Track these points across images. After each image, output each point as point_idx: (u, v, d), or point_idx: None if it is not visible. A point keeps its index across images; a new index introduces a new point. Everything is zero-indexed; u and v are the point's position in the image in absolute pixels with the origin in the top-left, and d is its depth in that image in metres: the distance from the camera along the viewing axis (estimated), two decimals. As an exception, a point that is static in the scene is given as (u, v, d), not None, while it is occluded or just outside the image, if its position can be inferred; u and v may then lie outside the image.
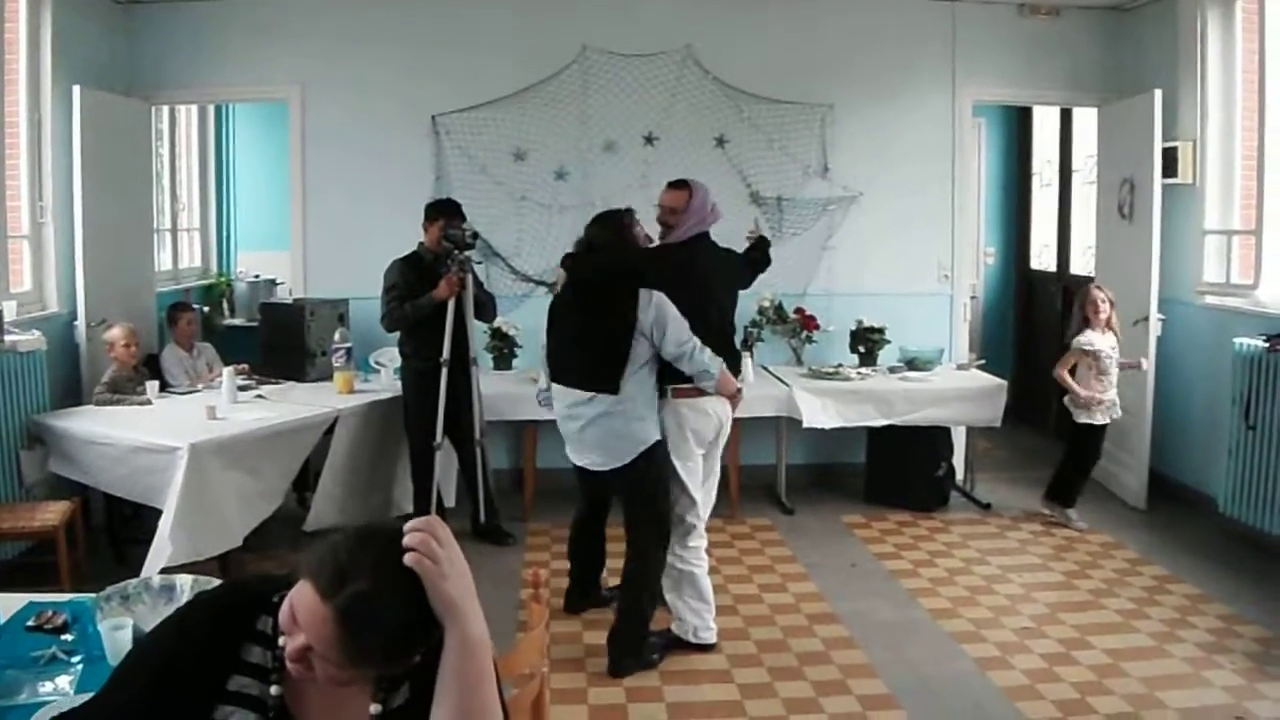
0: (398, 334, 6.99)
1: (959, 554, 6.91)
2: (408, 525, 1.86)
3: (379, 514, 7.01)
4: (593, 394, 5.14)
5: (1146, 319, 7.65)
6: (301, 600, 1.84)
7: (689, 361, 5.07)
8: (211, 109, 10.25)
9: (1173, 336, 7.71)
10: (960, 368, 8.26)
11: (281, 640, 1.90)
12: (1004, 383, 7.90)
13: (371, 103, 8.15)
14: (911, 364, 7.99)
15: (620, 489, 5.36)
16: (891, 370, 7.97)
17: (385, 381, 7.29)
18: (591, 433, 5.21)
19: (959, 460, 8.20)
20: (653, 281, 5.11)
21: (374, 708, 1.96)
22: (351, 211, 8.15)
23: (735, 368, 5.41)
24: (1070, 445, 7.55)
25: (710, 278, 5.39)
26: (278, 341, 7.59)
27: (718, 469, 5.57)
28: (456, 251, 6.61)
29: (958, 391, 7.68)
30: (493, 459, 7.15)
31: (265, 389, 7.10)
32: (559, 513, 7.50)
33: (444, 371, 6.66)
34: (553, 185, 8.24)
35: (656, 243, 5.54)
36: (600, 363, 5.12)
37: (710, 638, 5.41)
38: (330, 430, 6.55)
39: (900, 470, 7.85)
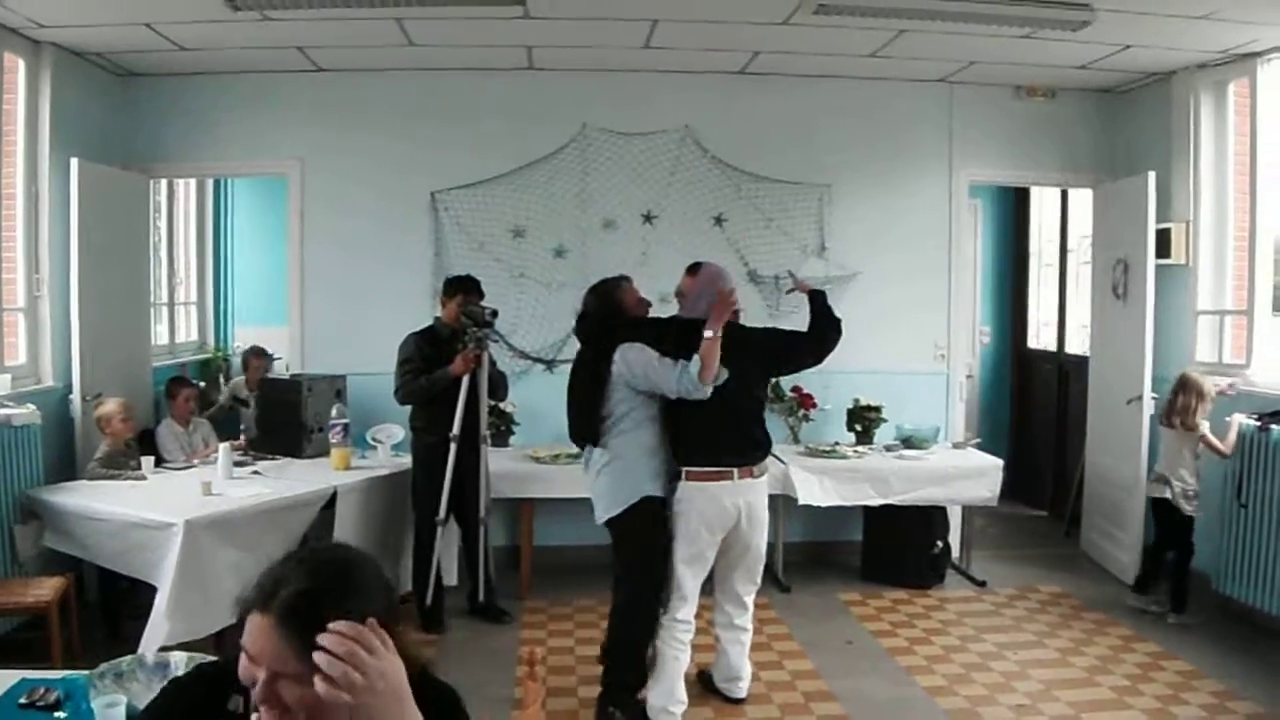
0: (406, 409, 7.04)
1: (955, 631, 6.95)
2: (333, 626, 1.79)
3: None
4: (584, 447, 5.54)
5: (1140, 398, 7.74)
6: (249, 634, 1.89)
7: (677, 386, 5.15)
8: (210, 182, 10.36)
9: (1167, 416, 7.76)
10: (956, 446, 8.32)
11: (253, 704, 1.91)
12: (1000, 461, 7.96)
13: (371, 178, 8.27)
14: (908, 442, 8.06)
15: (612, 539, 5.53)
16: (888, 449, 8.05)
17: (383, 458, 7.33)
18: (594, 485, 5.53)
19: (955, 538, 8.24)
20: (637, 334, 5.38)
21: None
22: (350, 287, 8.25)
23: (748, 452, 5.41)
24: (1182, 542, 7.10)
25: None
26: (275, 417, 7.60)
27: (754, 550, 5.51)
28: (475, 328, 6.69)
29: (954, 470, 7.73)
30: (491, 536, 7.18)
31: (262, 465, 7.12)
32: (556, 590, 7.61)
33: (453, 447, 6.72)
34: (551, 263, 8.33)
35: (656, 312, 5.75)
36: (579, 416, 5.51)
37: None
38: (328, 505, 6.55)
39: (896, 548, 7.90)
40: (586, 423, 5.45)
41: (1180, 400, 7.03)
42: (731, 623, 5.66)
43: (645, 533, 5.36)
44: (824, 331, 5.60)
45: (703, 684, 5.87)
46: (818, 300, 5.70)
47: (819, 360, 5.70)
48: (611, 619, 5.55)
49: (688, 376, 5.08)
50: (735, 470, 5.31)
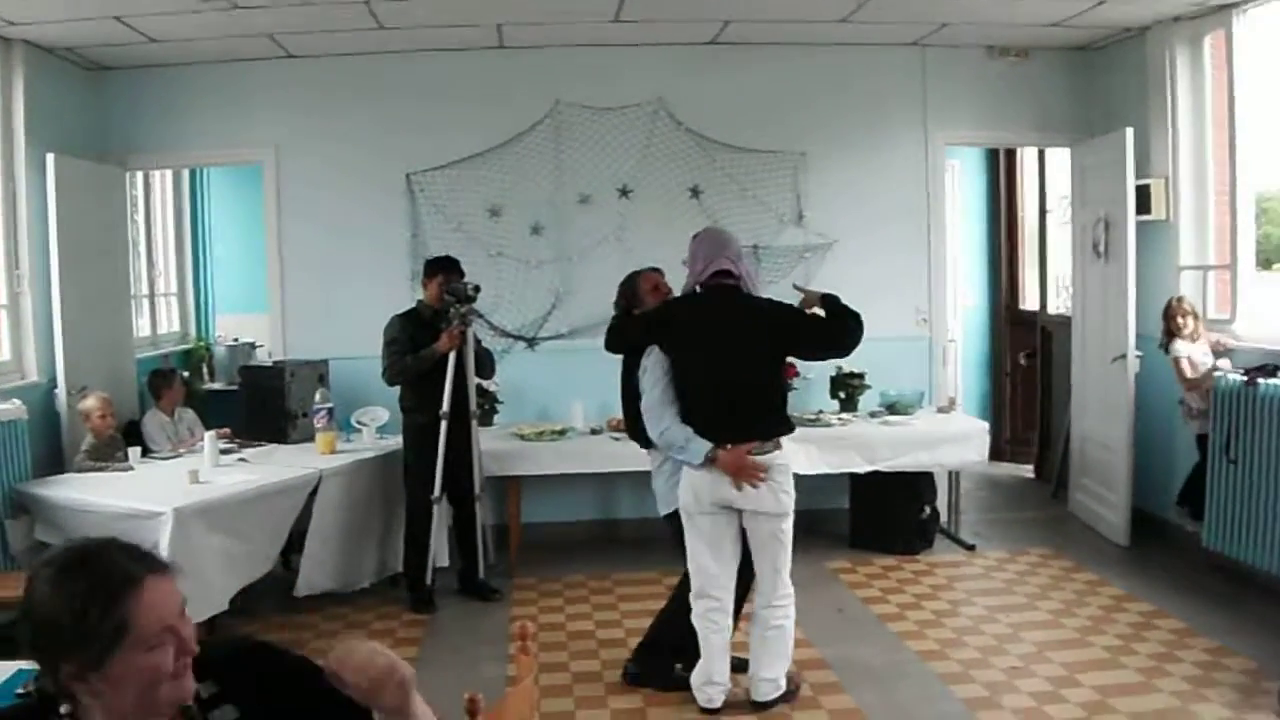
0: (391, 391, 7.08)
1: (945, 596, 7.00)
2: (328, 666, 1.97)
3: (373, 577, 7.12)
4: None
5: (1124, 356, 7.78)
6: (162, 599, 1.92)
7: (655, 429, 5.23)
8: (186, 173, 10.32)
9: (1151, 373, 7.78)
10: (941, 411, 8.35)
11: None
12: (985, 424, 8.02)
13: (346, 163, 8.28)
14: (892, 408, 8.08)
15: (670, 535, 5.57)
16: (872, 415, 8.08)
17: (368, 441, 7.37)
18: (653, 479, 5.66)
19: (942, 502, 8.24)
20: (644, 335, 5.38)
21: None
22: (329, 271, 8.27)
23: (762, 431, 5.19)
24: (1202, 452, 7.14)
25: (703, 328, 5.20)
26: (259, 404, 7.64)
27: (767, 532, 5.22)
28: (458, 305, 6.74)
29: (940, 435, 7.77)
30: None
31: (247, 452, 7.16)
32: (545, 567, 7.65)
33: (444, 425, 6.76)
34: (528, 240, 8.34)
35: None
36: (627, 420, 5.67)
37: (705, 701, 5.29)
38: (315, 492, 6.62)
39: (884, 514, 7.93)
40: (633, 426, 5.58)
41: (1165, 324, 7.19)
42: (757, 614, 5.37)
43: None
44: (848, 323, 5.29)
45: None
46: (832, 304, 5.40)
47: (844, 350, 5.40)
48: (674, 597, 5.66)
49: (684, 443, 5.13)
50: (744, 444, 5.11)
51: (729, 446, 5.09)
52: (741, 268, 5.29)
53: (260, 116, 8.29)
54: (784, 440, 5.25)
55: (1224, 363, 7.00)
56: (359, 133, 8.28)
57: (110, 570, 1.89)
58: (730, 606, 5.34)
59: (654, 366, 5.25)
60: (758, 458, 5.11)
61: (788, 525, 5.24)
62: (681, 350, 5.22)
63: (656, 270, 5.87)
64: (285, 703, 2.11)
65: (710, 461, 5.07)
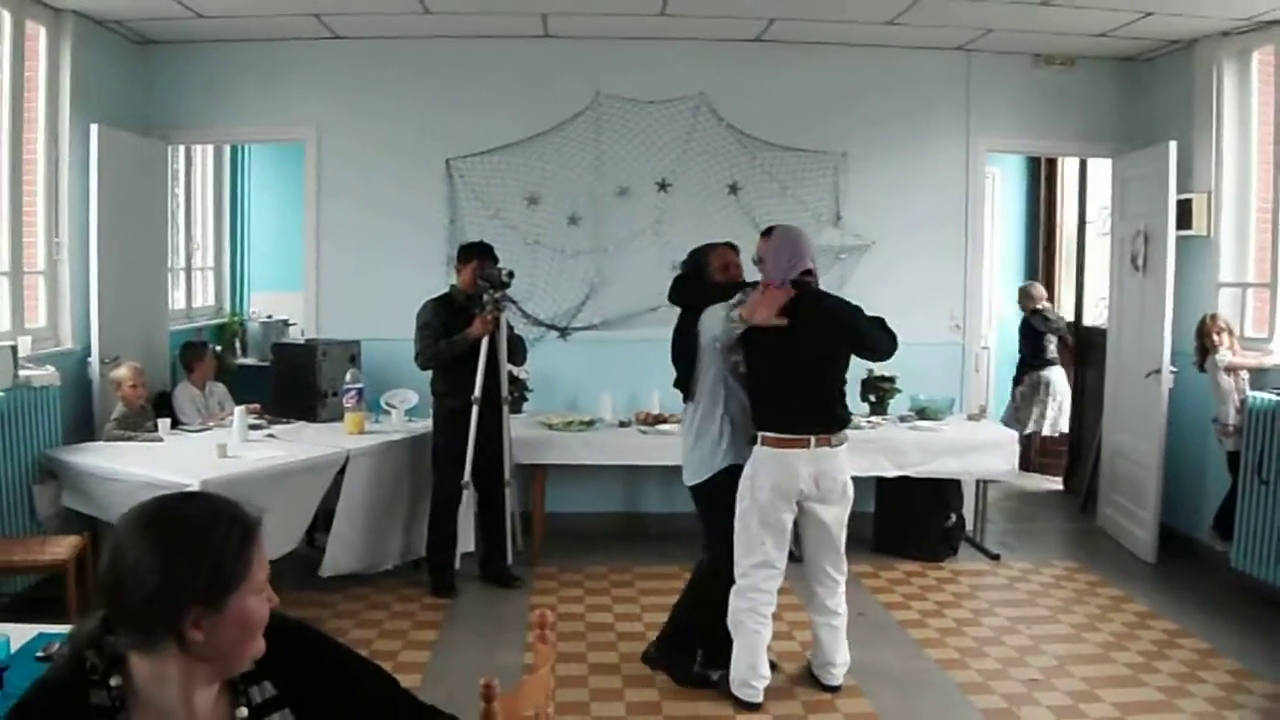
0: (423, 375, 7.08)
1: (968, 605, 6.96)
2: None
3: (398, 559, 7.14)
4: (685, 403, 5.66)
5: (1159, 371, 7.72)
6: (266, 558, 2.04)
7: (723, 328, 5.27)
8: (227, 149, 10.38)
9: (1185, 390, 7.74)
10: (971, 418, 8.32)
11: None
12: (1015, 434, 7.96)
13: (386, 145, 8.29)
14: (922, 414, 8.05)
15: (696, 506, 5.62)
16: (902, 420, 8.04)
17: (396, 423, 7.38)
18: (684, 447, 5.66)
19: (968, 510, 8.22)
20: (709, 297, 5.45)
21: (241, 711, 2.05)
22: (365, 253, 8.29)
23: (838, 424, 5.33)
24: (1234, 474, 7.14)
25: (783, 328, 5.19)
26: (289, 382, 7.67)
27: (834, 522, 5.37)
28: (492, 291, 6.75)
29: (970, 442, 7.72)
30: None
31: (276, 429, 7.19)
32: (567, 557, 7.66)
33: (475, 410, 6.77)
34: (565, 230, 8.34)
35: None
36: (677, 371, 5.61)
37: (750, 696, 5.31)
38: (343, 472, 6.63)
39: (909, 520, 7.88)
40: (682, 378, 5.59)
41: (1198, 342, 7.18)
42: (823, 604, 5.49)
43: (727, 501, 5.35)
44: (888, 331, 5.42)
45: (804, 674, 5.70)
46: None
47: (885, 355, 5.51)
48: (692, 582, 5.69)
49: (730, 319, 5.18)
50: (812, 438, 5.22)
51: (808, 437, 5.23)
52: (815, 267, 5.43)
53: (303, 96, 8.31)
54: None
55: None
56: (401, 116, 8.29)
57: (241, 513, 2.01)
58: (775, 601, 5.41)
59: (716, 315, 5.34)
60: (835, 448, 5.30)
61: (847, 513, 5.45)
62: (760, 346, 5.24)
63: (732, 246, 5.82)
64: (320, 684, 2.16)
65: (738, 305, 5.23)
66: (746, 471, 5.29)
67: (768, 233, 5.50)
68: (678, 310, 5.71)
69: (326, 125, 8.31)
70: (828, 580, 5.47)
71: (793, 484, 5.23)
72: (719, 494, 5.41)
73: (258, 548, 2.01)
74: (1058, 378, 10.08)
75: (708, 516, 5.54)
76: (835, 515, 5.38)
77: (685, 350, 5.54)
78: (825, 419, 5.30)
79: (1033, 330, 9.91)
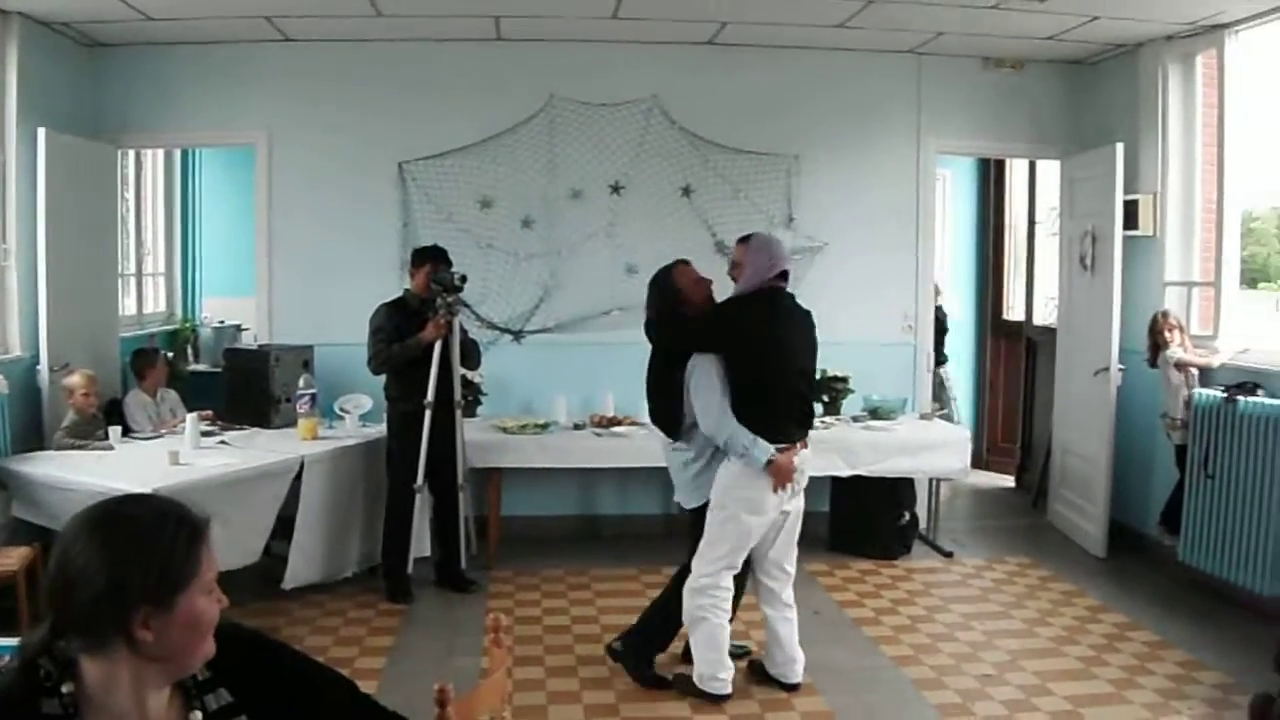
0: (376, 380, 7.07)
1: (921, 601, 7.00)
2: None
3: (357, 566, 7.13)
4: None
5: (1107, 369, 7.81)
6: (214, 558, 2.03)
7: (717, 432, 5.21)
8: (178, 153, 10.28)
9: (1133, 387, 7.83)
10: (923, 417, 8.39)
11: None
12: (968, 433, 8.05)
13: (339, 149, 8.24)
14: (875, 413, 8.09)
15: (691, 520, 5.59)
16: (855, 420, 8.08)
17: (350, 428, 7.35)
18: (675, 473, 5.64)
19: (922, 508, 8.27)
20: (703, 336, 5.35)
21: (195, 716, 2.04)
22: (317, 257, 8.24)
23: (806, 423, 5.45)
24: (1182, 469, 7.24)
25: (780, 329, 5.30)
26: (242, 388, 7.61)
27: (794, 514, 5.47)
28: (445, 295, 6.73)
29: (923, 441, 7.78)
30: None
31: (229, 435, 7.13)
32: (523, 561, 7.65)
33: (428, 414, 6.76)
34: (518, 233, 8.32)
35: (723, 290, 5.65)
36: (657, 414, 5.62)
37: (719, 689, 5.37)
38: (301, 479, 6.59)
39: (863, 519, 7.92)
40: (665, 420, 5.55)
41: (1150, 339, 7.28)
42: (778, 598, 5.52)
43: None
44: None
45: (756, 674, 5.68)
46: None
47: None
48: (672, 586, 5.65)
49: (747, 444, 5.14)
50: (797, 443, 5.32)
51: (787, 449, 5.25)
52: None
53: (254, 99, 8.24)
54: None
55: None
56: (353, 119, 8.25)
57: (188, 514, 2.01)
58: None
59: (708, 365, 5.24)
60: (803, 453, 5.37)
61: None
62: (758, 352, 5.23)
63: (685, 262, 5.73)
64: (277, 691, 2.15)
65: (769, 464, 5.16)
66: (728, 482, 5.27)
67: (745, 240, 5.49)
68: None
69: (278, 129, 8.24)
70: (781, 575, 5.54)
71: (778, 497, 5.28)
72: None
73: (206, 547, 2.00)
74: (954, 372, 10.40)
75: (699, 533, 5.49)
76: (798, 508, 5.48)
77: (666, 391, 5.48)
78: (807, 421, 5.47)
79: (940, 327, 9.94)
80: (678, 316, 5.49)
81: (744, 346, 5.22)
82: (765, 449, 5.13)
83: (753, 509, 5.25)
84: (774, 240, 5.55)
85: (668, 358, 5.45)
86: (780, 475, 5.19)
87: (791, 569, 5.57)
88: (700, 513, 5.45)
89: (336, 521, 6.91)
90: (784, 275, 5.36)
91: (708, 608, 5.34)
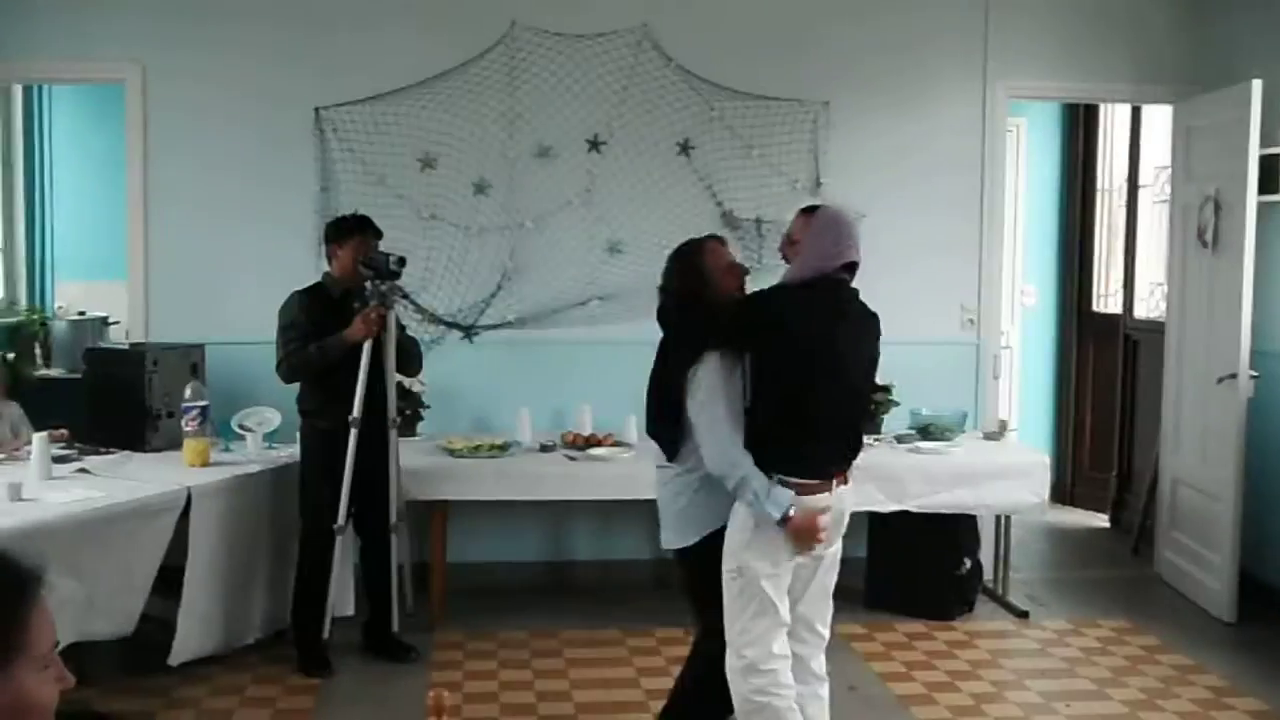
0: (290, 389, 6.97)
1: (988, 675, 6.98)
2: None
3: (259, 632, 7.07)
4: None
5: (1234, 376, 7.76)
6: (50, 627, 2.02)
7: (718, 463, 5.09)
8: (19, 92, 10.22)
9: (1271, 399, 7.82)
10: (989, 437, 8.40)
11: None
12: (1047, 457, 8.06)
13: (235, 89, 8.19)
14: (926, 432, 8.09)
15: (684, 574, 5.57)
16: (900, 440, 8.05)
17: (253, 451, 7.31)
18: (663, 497, 5.55)
19: (987, 555, 8.27)
20: (729, 327, 5.25)
21: None
22: (209, 231, 8.20)
23: (850, 454, 5.30)
24: None
25: (831, 334, 5.14)
26: (109, 399, 7.56)
27: (830, 561, 5.32)
28: (377, 282, 6.68)
29: (988, 468, 7.75)
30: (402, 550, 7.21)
31: (90, 461, 7.05)
32: (475, 620, 7.65)
33: (353, 434, 6.70)
34: (470, 201, 8.32)
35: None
36: (656, 419, 5.47)
37: None
38: (186, 514, 6.50)
39: (911, 568, 7.90)
40: (662, 428, 5.43)
41: None
42: (808, 667, 5.35)
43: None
44: None
45: None
46: None
47: None
48: (687, 673, 5.59)
49: (761, 489, 4.98)
50: (834, 479, 5.15)
51: (831, 480, 5.12)
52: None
53: (123, 23, 8.16)
54: None
55: None
56: (254, 50, 8.20)
57: (10, 564, 2.00)
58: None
59: (718, 377, 5.15)
60: (840, 491, 5.20)
61: None
62: (803, 359, 5.09)
63: (718, 239, 5.72)
64: None
65: (784, 520, 4.96)
66: (741, 538, 5.11)
67: (809, 210, 5.41)
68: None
69: (154, 62, 8.17)
70: (812, 637, 5.38)
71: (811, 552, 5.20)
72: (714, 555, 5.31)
73: (37, 608, 1.99)
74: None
75: (703, 588, 5.37)
76: (834, 553, 5.33)
77: (670, 398, 5.37)
78: (852, 450, 5.30)
79: None
80: (696, 305, 5.44)
81: (786, 349, 5.10)
82: (780, 502, 4.96)
83: (773, 565, 5.12)
84: (846, 219, 5.36)
85: (665, 354, 5.44)
86: (800, 537, 5.03)
87: (825, 631, 5.44)
88: (690, 557, 5.38)
89: (235, 573, 6.86)
90: (851, 267, 5.23)
91: (766, 689, 5.13)
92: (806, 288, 5.18)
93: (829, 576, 5.34)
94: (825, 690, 5.40)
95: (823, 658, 5.43)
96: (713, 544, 5.21)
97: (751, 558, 5.06)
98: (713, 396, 5.10)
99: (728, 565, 5.13)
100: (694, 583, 5.44)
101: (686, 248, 5.58)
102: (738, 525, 5.11)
